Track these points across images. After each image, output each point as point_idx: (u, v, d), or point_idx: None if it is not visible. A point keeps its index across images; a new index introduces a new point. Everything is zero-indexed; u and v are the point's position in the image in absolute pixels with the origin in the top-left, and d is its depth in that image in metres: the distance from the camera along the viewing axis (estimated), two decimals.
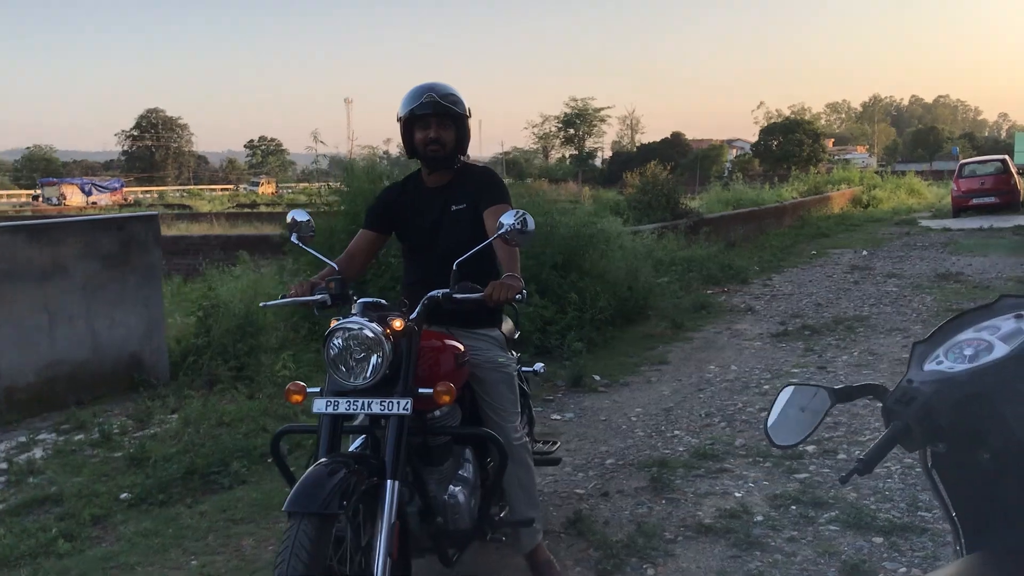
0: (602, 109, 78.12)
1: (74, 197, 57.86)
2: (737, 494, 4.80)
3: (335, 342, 2.96)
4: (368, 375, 2.94)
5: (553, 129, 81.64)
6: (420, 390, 3.00)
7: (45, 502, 4.70)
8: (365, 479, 2.80)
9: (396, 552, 2.78)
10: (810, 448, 5.50)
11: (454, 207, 3.58)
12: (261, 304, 3.80)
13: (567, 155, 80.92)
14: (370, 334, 2.92)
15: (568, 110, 77.69)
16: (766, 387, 7.03)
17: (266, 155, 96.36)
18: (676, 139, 72.34)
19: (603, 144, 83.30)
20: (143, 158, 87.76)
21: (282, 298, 3.35)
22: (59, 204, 54.08)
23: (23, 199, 60.83)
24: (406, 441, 3.01)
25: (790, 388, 2.31)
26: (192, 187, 72.97)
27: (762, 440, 5.70)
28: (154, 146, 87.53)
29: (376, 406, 2.94)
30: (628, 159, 62.96)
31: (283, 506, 2.65)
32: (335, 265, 3.40)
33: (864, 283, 12.64)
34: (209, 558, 4.13)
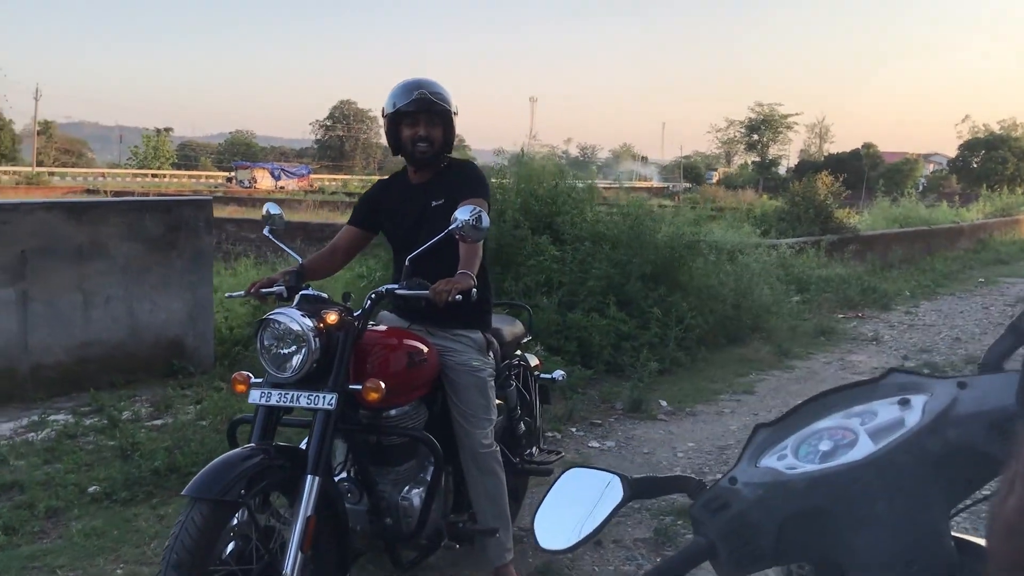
0: (789, 116, 75.03)
1: (264, 181, 60.83)
2: None
3: (264, 333, 2.95)
4: (294, 369, 2.91)
5: (737, 135, 79.26)
6: (351, 386, 2.96)
7: (12, 488, 4.57)
8: (283, 470, 2.80)
9: (308, 547, 2.74)
10: None
11: (434, 203, 3.49)
12: (226, 295, 3.96)
13: (749, 161, 78.34)
14: (295, 327, 2.89)
15: (753, 115, 75.12)
16: None
17: None
18: (867, 150, 68.54)
19: (788, 152, 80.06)
20: (333, 147, 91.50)
21: (245, 291, 3.39)
22: (249, 187, 56.90)
23: (219, 180, 64.64)
24: (349, 437, 3.18)
25: (576, 471, 1.73)
26: (375, 177, 75.31)
27: None
28: (344, 136, 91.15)
29: (304, 400, 2.92)
30: (814, 168, 59.90)
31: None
32: (299, 259, 3.42)
33: None
34: (136, 568, 3.86)
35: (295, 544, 2.71)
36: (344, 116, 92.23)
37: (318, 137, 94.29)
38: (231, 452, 2.82)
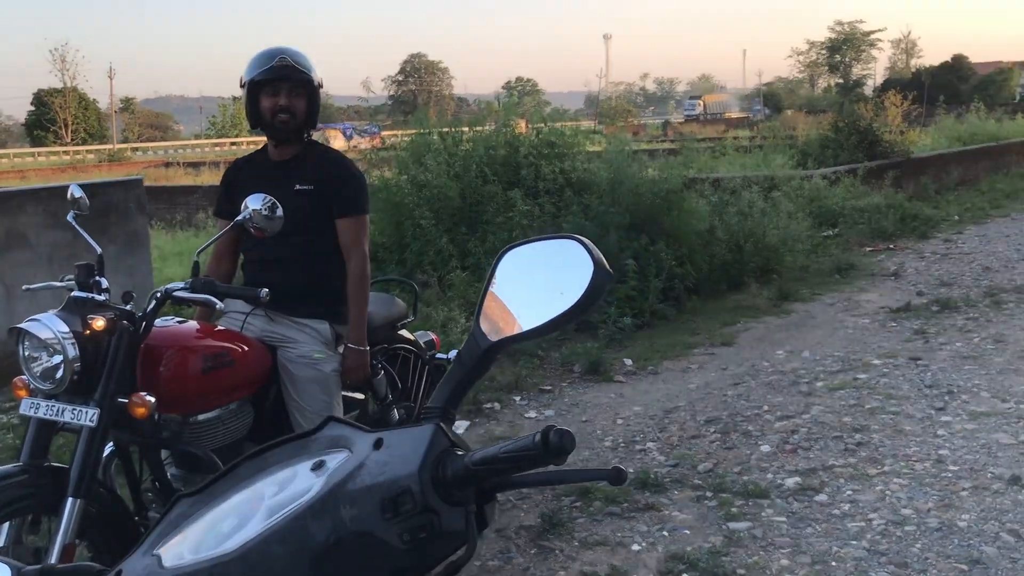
0: (872, 32, 71.60)
1: (337, 141, 61.07)
2: (635, 547, 3.72)
3: (23, 343, 2.72)
4: (54, 380, 2.68)
5: (819, 57, 76.03)
6: (120, 399, 2.70)
7: None
8: (47, 492, 2.62)
9: None
10: (789, 482, 4.25)
11: (299, 186, 3.24)
12: (24, 287, 3.51)
13: (832, 84, 75.21)
14: (44, 335, 2.65)
15: (833, 35, 71.90)
16: (819, 384, 5.66)
17: (522, 96, 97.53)
18: (957, 63, 64.86)
19: (873, 71, 76.52)
20: (408, 102, 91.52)
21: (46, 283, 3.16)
22: None
23: None
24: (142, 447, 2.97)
25: None
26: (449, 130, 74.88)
27: (733, 465, 4.49)
28: (417, 91, 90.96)
29: (68, 414, 2.68)
30: (900, 86, 56.88)
31: None
32: (99, 249, 3.04)
33: None
34: None
35: None
36: (415, 70, 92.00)
37: (391, 93, 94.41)
38: None
